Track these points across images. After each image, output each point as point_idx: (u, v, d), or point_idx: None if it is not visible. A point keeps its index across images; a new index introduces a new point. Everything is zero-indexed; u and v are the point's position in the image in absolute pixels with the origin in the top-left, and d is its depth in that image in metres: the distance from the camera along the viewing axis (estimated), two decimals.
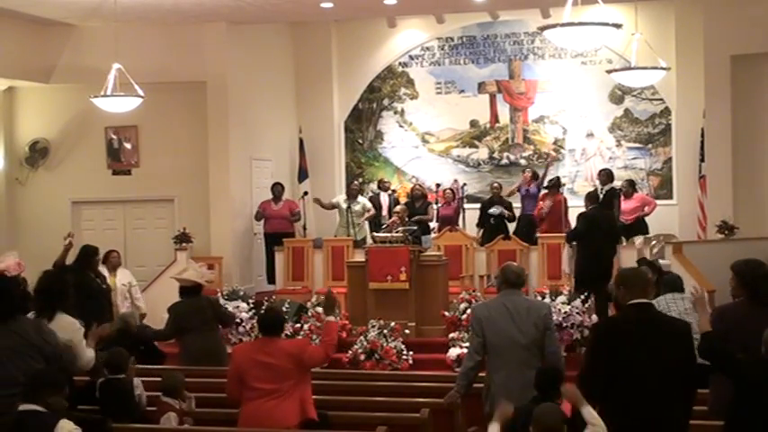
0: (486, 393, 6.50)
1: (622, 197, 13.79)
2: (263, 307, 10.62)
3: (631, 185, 14.05)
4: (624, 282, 5.43)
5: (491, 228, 14.02)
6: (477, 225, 14.37)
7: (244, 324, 11.78)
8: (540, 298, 11.21)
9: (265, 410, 6.17)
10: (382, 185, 15.34)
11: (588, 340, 5.50)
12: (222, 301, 11.89)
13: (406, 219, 12.57)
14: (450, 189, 14.78)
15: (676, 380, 5.16)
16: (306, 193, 15.13)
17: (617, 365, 5.18)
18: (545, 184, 14.21)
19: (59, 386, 5.14)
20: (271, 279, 14.41)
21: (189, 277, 9.27)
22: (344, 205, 14.41)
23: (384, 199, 15.00)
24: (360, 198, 14.65)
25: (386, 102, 16.49)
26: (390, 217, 14.01)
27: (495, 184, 14.56)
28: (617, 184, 14.11)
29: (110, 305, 10.11)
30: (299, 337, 7.15)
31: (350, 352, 11.00)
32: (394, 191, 15.62)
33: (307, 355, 6.31)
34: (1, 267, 8.60)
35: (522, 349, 6.35)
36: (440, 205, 14.44)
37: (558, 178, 14.36)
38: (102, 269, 10.90)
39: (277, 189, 14.52)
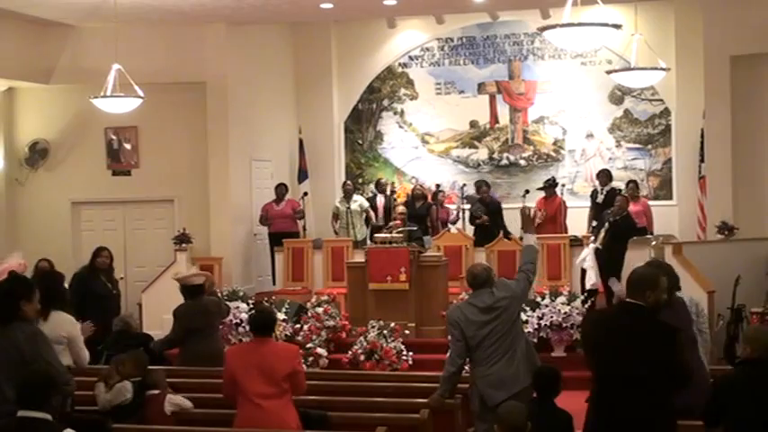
0: (473, 390, 6.56)
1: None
2: (253, 307, 10.66)
3: (637, 188, 14.05)
4: (628, 279, 5.48)
5: (481, 229, 14.05)
6: (470, 222, 14.40)
7: (243, 325, 11.78)
8: (539, 299, 11.22)
9: (264, 414, 6.11)
10: (380, 187, 15.33)
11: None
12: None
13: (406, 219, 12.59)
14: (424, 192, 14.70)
15: (658, 381, 5.15)
16: (306, 194, 15.15)
17: (598, 359, 5.23)
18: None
19: (58, 386, 5.07)
20: (275, 279, 14.45)
21: (187, 280, 9.19)
22: (342, 207, 14.44)
23: (380, 201, 14.97)
24: (356, 197, 14.66)
25: (386, 102, 16.49)
26: (386, 218, 14.06)
27: (483, 187, 14.56)
28: (615, 184, 14.15)
29: (112, 309, 10.02)
30: (292, 345, 7.09)
31: (350, 352, 11.01)
32: (393, 191, 15.56)
33: (298, 372, 6.28)
34: (3, 267, 8.63)
35: (501, 340, 6.47)
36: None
37: (553, 179, 14.37)
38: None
39: (281, 190, 14.56)
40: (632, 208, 13.75)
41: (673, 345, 5.19)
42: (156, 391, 6.95)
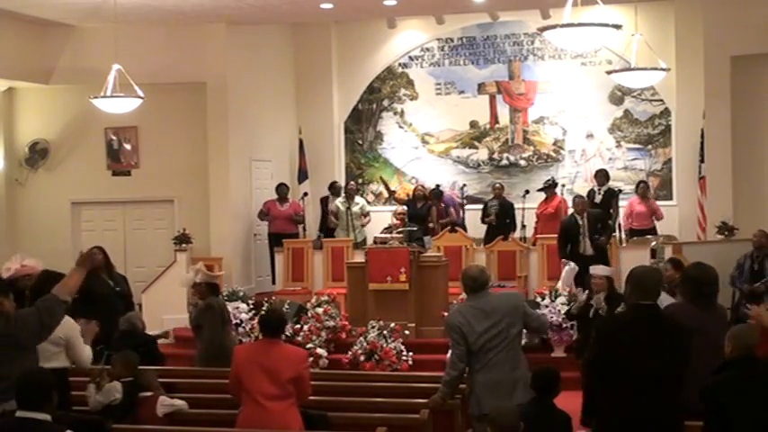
0: (470, 394, 6.52)
1: (639, 199, 13.85)
2: (265, 307, 10.65)
3: (647, 188, 14.13)
4: (631, 281, 5.45)
5: (491, 228, 14.06)
6: (482, 221, 14.40)
7: (243, 325, 11.79)
8: (539, 299, 11.22)
9: (266, 414, 6.10)
10: (333, 189, 14.97)
11: (593, 335, 5.56)
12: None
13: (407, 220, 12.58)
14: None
15: (671, 380, 5.16)
16: (306, 194, 15.15)
17: (613, 363, 5.21)
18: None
19: (55, 385, 5.05)
20: (276, 279, 14.45)
21: (209, 278, 9.18)
22: (343, 207, 14.44)
23: (332, 205, 14.69)
24: (358, 199, 14.66)
25: (386, 102, 16.48)
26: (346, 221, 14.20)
27: (497, 185, 14.61)
28: (614, 184, 14.20)
29: (117, 307, 9.98)
30: (301, 349, 7.13)
31: (350, 353, 11.00)
32: (394, 193, 15.39)
33: (303, 378, 6.28)
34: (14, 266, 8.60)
35: (501, 347, 6.36)
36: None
37: (553, 179, 14.35)
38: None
39: (282, 190, 14.55)
40: (640, 208, 13.80)
41: (687, 343, 5.20)
42: (149, 393, 6.92)
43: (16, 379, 4.96)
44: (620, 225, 13.59)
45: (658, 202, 14.46)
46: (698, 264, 6.44)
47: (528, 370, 6.43)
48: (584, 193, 14.40)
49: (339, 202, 14.69)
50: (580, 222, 12.18)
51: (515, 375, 6.35)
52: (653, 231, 13.68)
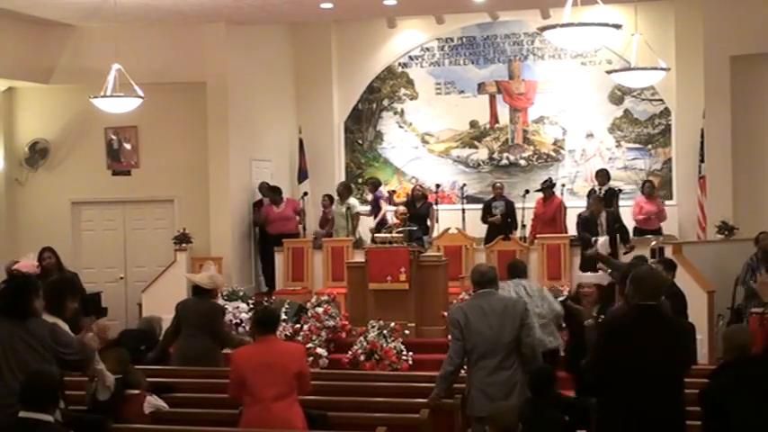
0: (467, 396, 6.51)
1: (644, 198, 13.85)
2: (256, 307, 10.66)
3: (653, 187, 14.15)
4: (634, 281, 5.44)
5: (494, 228, 14.05)
6: (482, 220, 14.36)
7: (244, 325, 11.80)
8: None
9: (271, 416, 6.09)
10: (262, 191, 14.67)
11: (595, 336, 5.56)
12: (221, 302, 11.90)
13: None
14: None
15: (675, 380, 5.17)
16: (306, 194, 15.14)
17: (617, 364, 5.21)
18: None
19: (60, 387, 5.05)
20: (267, 282, 14.43)
21: (192, 279, 9.23)
22: (336, 208, 14.44)
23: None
24: (351, 199, 14.58)
25: (386, 102, 16.49)
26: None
27: (498, 184, 14.59)
28: (614, 184, 14.19)
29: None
30: (298, 344, 7.12)
31: (350, 352, 11.01)
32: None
33: (304, 374, 6.31)
34: (18, 266, 8.64)
35: (499, 351, 6.36)
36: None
37: (550, 179, 14.32)
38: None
39: (275, 195, 14.30)
40: (647, 207, 13.79)
41: (690, 343, 5.22)
42: (136, 391, 6.93)
43: (23, 379, 4.96)
44: (634, 227, 13.59)
45: None
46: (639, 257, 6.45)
47: (524, 374, 6.42)
48: (584, 192, 14.45)
49: (335, 202, 14.70)
50: (599, 222, 12.16)
51: (512, 379, 6.33)
52: (659, 232, 13.65)
